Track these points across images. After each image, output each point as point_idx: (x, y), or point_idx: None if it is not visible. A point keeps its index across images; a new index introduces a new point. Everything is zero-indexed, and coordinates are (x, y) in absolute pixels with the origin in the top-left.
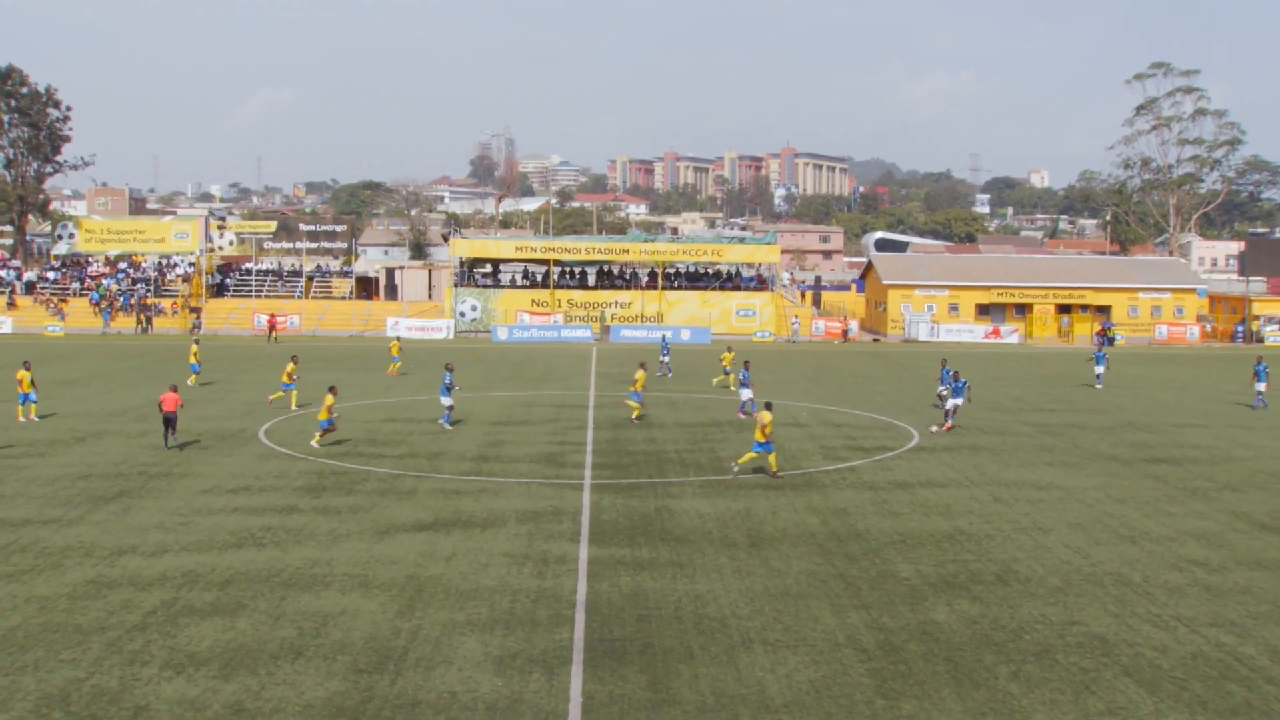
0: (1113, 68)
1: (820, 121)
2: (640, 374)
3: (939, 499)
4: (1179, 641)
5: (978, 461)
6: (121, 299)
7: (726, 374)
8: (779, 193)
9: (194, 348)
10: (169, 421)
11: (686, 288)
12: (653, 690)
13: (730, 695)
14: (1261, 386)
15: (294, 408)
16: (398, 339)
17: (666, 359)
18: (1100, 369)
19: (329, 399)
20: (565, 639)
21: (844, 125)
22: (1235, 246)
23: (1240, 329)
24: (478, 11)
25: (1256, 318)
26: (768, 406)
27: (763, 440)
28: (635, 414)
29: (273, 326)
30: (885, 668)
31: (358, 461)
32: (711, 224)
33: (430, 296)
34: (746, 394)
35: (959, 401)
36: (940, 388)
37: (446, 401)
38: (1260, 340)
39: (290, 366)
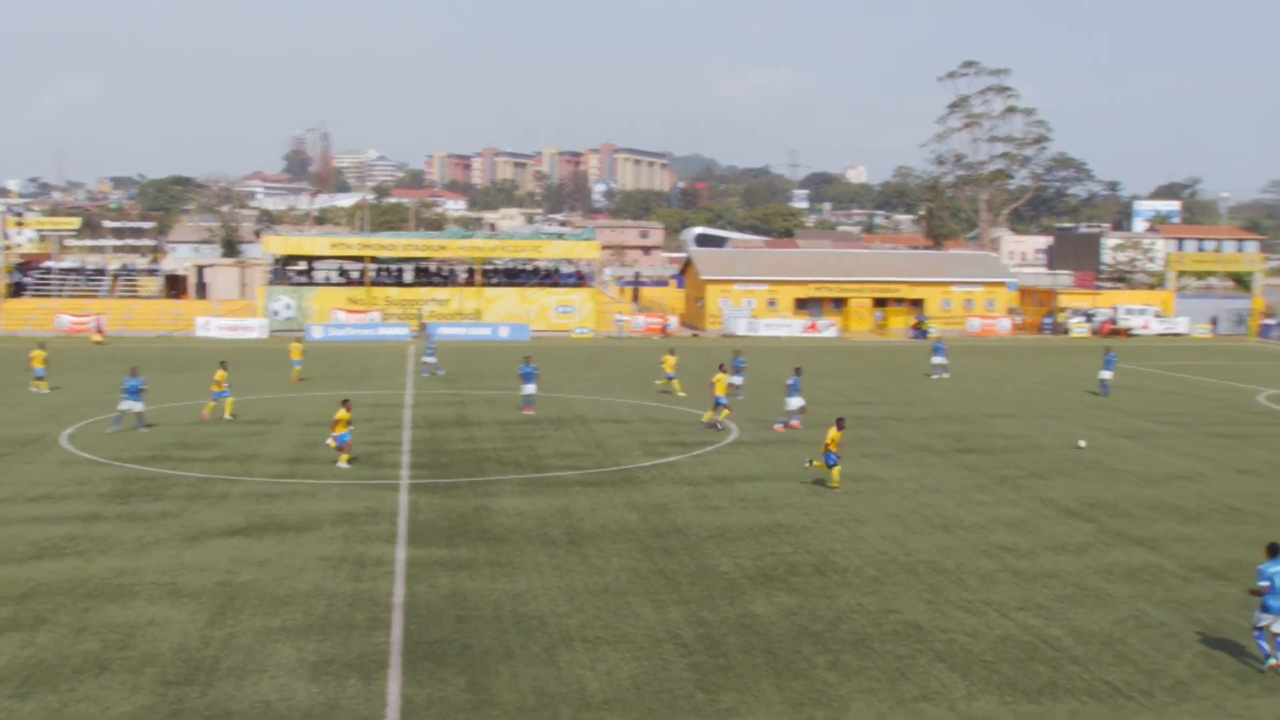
0: (927, 66)
1: (640, 117)
2: (720, 377)
3: (757, 493)
4: (989, 626)
5: (796, 455)
6: None
7: (670, 379)
8: (599, 188)
9: (39, 353)
10: None
11: (505, 284)
12: (472, 691)
13: (551, 694)
14: (1107, 374)
15: (229, 416)
16: (299, 339)
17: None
18: (939, 359)
19: (342, 414)
20: (383, 642)
21: (664, 121)
22: (1044, 241)
23: (1048, 321)
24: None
25: (1063, 310)
26: (839, 424)
27: (833, 451)
28: (716, 416)
29: (99, 329)
30: (705, 661)
31: (166, 466)
32: (530, 220)
33: (243, 295)
34: (797, 402)
35: (801, 402)
36: (734, 377)
37: (133, 407)
38: (1066, 332)
39: (220, 374)
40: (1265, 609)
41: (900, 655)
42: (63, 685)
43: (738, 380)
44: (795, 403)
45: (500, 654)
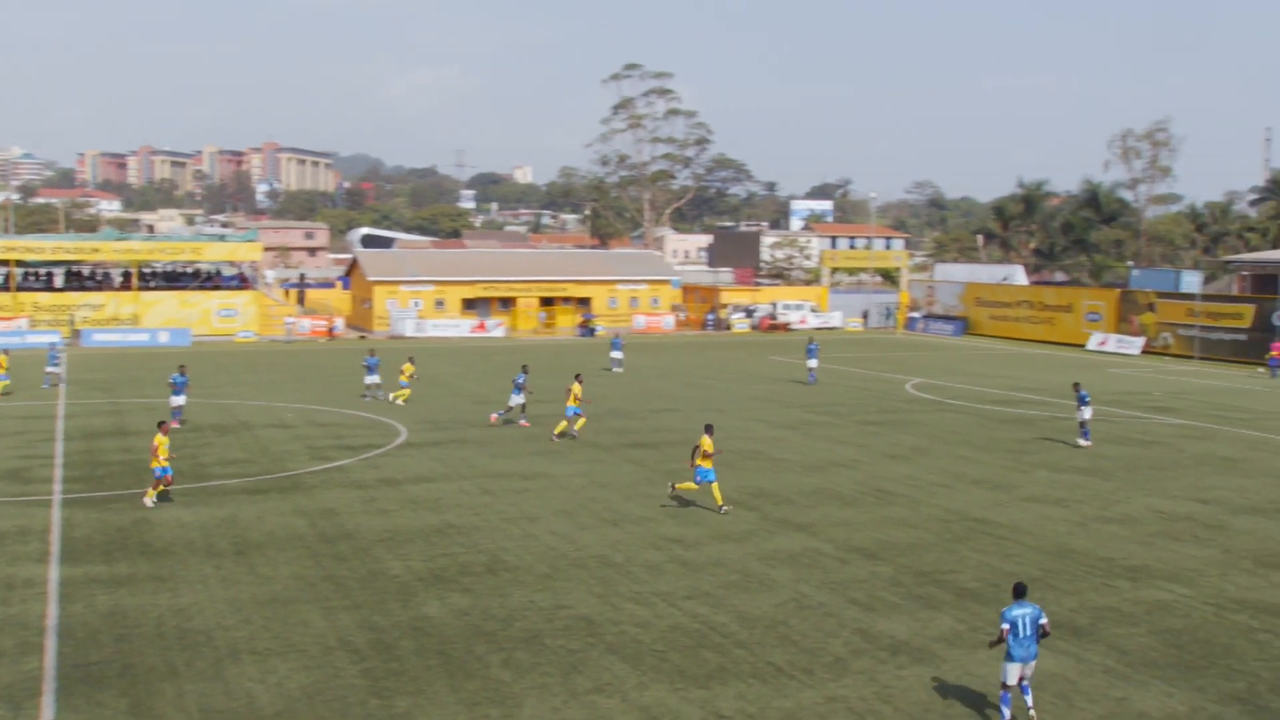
0: (592, 68)
1: (304, 116)
2: (576, 386)
3: (428, 494)
4: (659, 616)
5: (465, 455)
6: None
7: (404, 387)
8: (261, 188)
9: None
10: None
11: (164, 288)
12: (134, 714)
13: (218, 710)
14: (813, 363)
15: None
16: (5, 351)
17: (618, 355)
18: (813, 363)
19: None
20: (34, 668)
21: (329, 120)
22: (705, 239)
23: (711, 317)
24: None
25: (724, 306)
26: (708, 430)
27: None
28: (560, 430)
29: None
30: (378, 666)
31: None
32: (191, 221)
33: None
34: (518, 399)
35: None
36: (371, 376)
37: None
38: (728, 328)
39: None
40: (1010, 657)
41: (572, 649)
42: None
43: (375, 379)
44: (517, 399)
45: (164, 672)
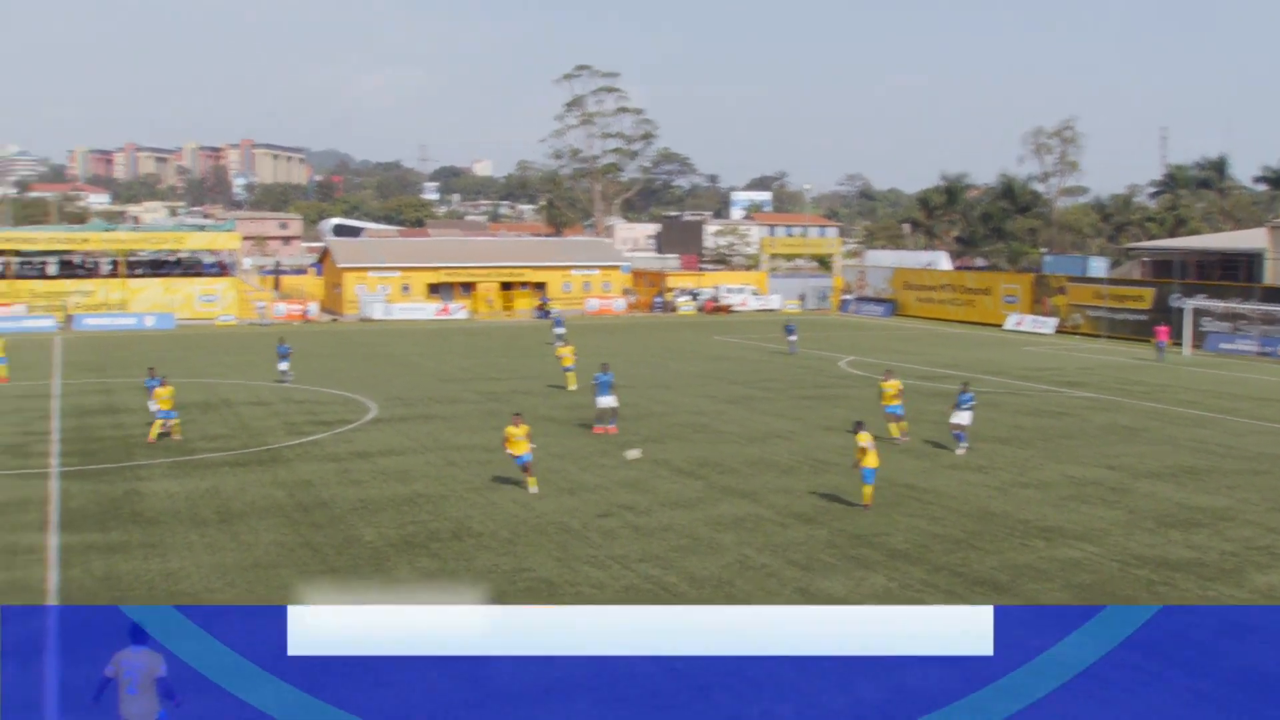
0: (546, 67)
1: (277, 113)
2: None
3: (397, 466)
4: (614, 578)
5: (431, 429)
6: None
7: (567, 371)
8: (239, 182)
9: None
10: None
11: (149, 275)
12: None
13: None
14: (793, 338)
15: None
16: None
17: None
18: (793, 337)
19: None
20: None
21: (301, 117)
22: (653, 228)
23: (659, 300)
24: None
25: (671, 290)
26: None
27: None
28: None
29: None
30: None
31: None
32: (174, 213)
33: None
34: (608, 401)
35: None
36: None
37: None
38: (674, 310)
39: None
40: None
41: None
42: None
43: (285, 366)
44: (606, 402)
45: None
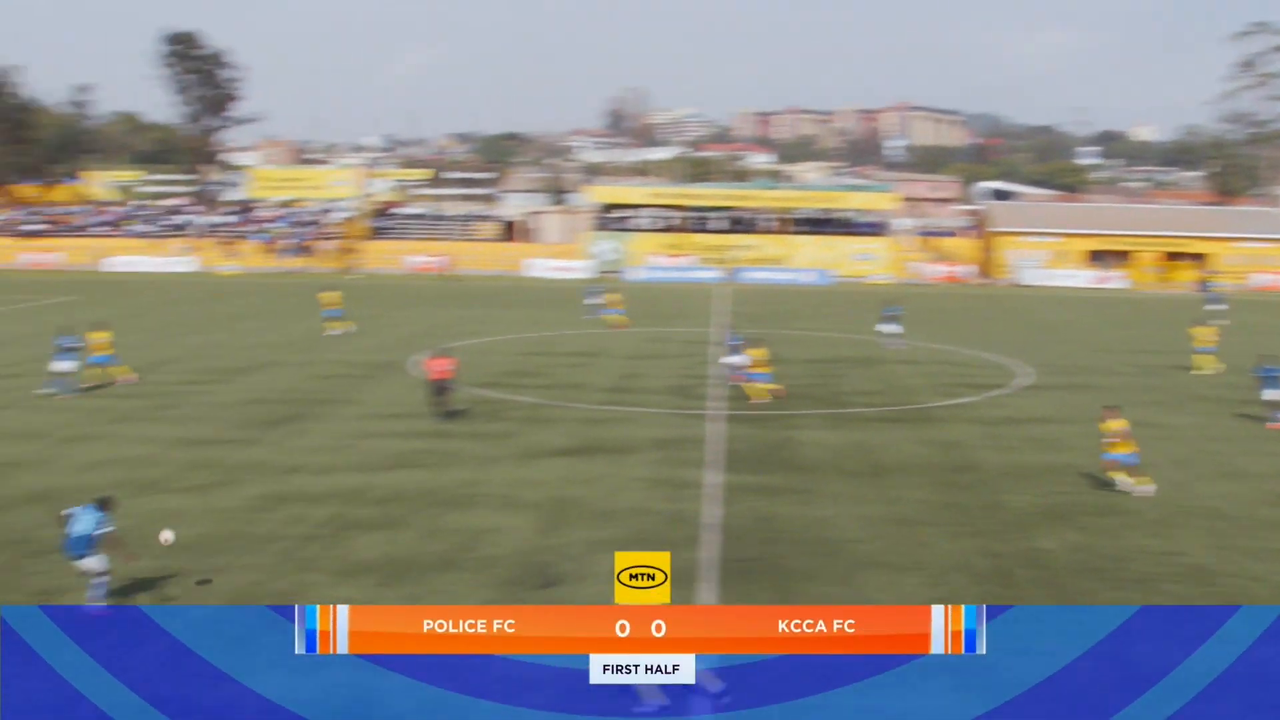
0: (1215, 24)
1: (933, 77)
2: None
3: (1049, 434)
4: (1274, 571)
5: (1086, 400)
6: (294, 238)
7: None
8: (894, 144)
9: (331, 294)
10: (440, 389)
11: (808, 232)
12: None
13: None
14: None
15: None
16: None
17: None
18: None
19: (760, 353)
20: (696, 559)
21: (957, 80)
22: None
23: None
24: None
25: None
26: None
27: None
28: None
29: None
30: (995, 590)
31: (504, 391)
32: (832, 173)
33: (568, 240)
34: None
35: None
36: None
37: (63, 366)
38: None
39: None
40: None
41: (1186, 597)
42: (420, 579)
43: (895, 329)
44: (1273, 395)
45: (803, 575)
